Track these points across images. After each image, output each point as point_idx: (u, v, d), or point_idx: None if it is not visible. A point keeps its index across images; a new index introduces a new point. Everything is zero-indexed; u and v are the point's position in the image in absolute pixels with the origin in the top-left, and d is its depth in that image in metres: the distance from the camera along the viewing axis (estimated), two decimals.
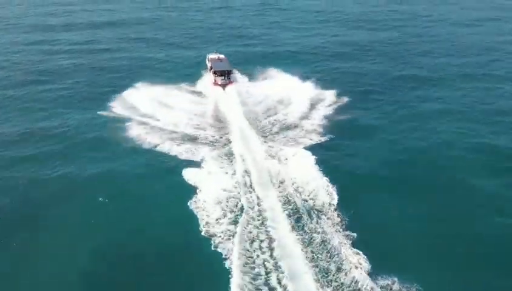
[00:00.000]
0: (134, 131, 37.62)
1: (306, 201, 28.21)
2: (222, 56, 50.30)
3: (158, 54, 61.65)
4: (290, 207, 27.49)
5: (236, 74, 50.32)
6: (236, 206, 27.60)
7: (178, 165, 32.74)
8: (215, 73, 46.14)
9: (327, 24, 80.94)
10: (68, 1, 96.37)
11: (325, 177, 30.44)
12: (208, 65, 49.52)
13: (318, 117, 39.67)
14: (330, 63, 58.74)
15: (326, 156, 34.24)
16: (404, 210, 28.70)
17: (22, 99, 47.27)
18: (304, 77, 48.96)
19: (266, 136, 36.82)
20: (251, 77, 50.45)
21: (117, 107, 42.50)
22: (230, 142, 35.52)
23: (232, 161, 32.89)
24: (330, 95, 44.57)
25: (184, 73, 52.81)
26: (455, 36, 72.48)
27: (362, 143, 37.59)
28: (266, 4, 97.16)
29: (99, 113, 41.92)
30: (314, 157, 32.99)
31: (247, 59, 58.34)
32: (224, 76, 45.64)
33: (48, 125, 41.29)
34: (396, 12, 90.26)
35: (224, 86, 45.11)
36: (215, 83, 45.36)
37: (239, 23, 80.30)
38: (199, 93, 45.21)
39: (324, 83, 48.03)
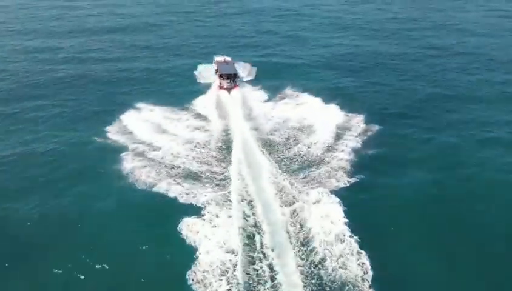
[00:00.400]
0: (129, 164, 32.33)
1: (335, 271, 22.36)
2: (228, 59, 49.39)
3: (165, 64, 56.41)
4: (313, 281, 21.69)
5: (251, 92, 45.18)
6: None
7: (176, 212, 27.18)
8: (220, 76, 44.96)
9: (347, 33, 74.56)
10: (76, 5, 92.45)
11: (355, 237, 24.52)
12: (214, 67, 47.98)
13: (345, 151, 33.72)
14: (354, 80, 52.55)
15: (355, 202, 28.27)
16: (461, 283, 22.71)
17: (12, 118, 42.41)
18: (327, 98, 42.99)
19: (283, 173, 31.02)
20: (267, 95, 44.78)
21: (114, 131, 37.31)
22: (238, 182, 29.70)
23: (241, 208, 27.22)
24: (357, 121, 38.61)
25: (191, 89, 47.38)
26: (494, 48, 65.23)
27: (398, 184, 31.42)
28: (282, 9, 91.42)
29: (93, 138, 36.88)
30: (342, 207, 26.99)
31: (262, 73, 52.52)
32: (230, 79, 44.61)
33: (36, 151, 36.33)
34: (423, 20, 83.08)
35: (229, 89, 43.96)
36: (221, 87, 44.28)
37: (254, 31, 74.49)
38: (204, 117, 39.51)
39: (349, 105, 41.93)
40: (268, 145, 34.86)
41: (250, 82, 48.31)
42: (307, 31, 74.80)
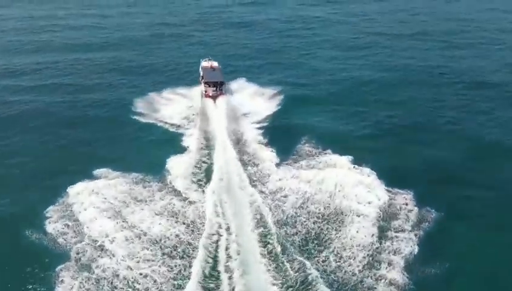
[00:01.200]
0: (67, 286, 21.09)
1: None
2: (215, 64, 46.25)
3: (143, 96, 43.92)
4: None
5: (258, 149, 33.17)
6: None
7: None
8: (206, 83, 42.50)
9: (368, 53, 62.58)
10: (54, 14, 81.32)
11: None
12: (200, 73, 45.23)
13: (395, 264, 21.93)
14: (386, 122, 40.55)
15: None
16: None
17: None
18: (358, 157, 31.24)
19: None
20: (277, 155, 32.24)
21: (55, 217, 25.57)
22: None
23: None
24: (405, 201, 26.79)
25: (172, 139, 35.42)
26: None
27: None
28: (290, 22, 79.88)
29: (25, 231, 25.07)
30: None
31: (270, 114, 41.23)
32: (216, 86, 42.12)
33: None
34: (458, 35, 70.75)
35: (215, 98, 41.23)
36: (206, 95, 41.79)
37: (257, 50, 62.84)
38: (185, 196, 27.29)
39: (389, 170, 29.97)
40: (279, 246, 23.12)
41: (256, 132, 36.32)
42: (322, 50, 63.19)
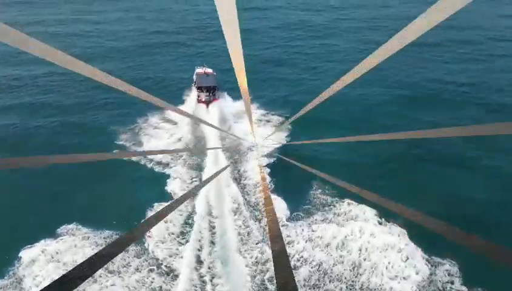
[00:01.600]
0: None
1: None
2: (209, 71, 45.65)
3: (128, 123, 38.39)
4: None
5: (258, 190, 27.57)
6: None
7: None
8: (199, 88, 42.22)
9: (381, 65, 55.59)
10: (43, 19, 75.86)
11: None
12: (194, 79, 45.30)
13: None
14: (407, 153, 34.35)
15: None
16: None
17: None
18: (384, 214, 25.29)
19: None
20: (288, 207, 26.33)
21: None
22: None
23: None
24: (448, 277, 20.97)
25: (155, 177, 29.65)
26: None
27: None
28: (294, 30, 74.43)
29: None
30: None
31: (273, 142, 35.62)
32: (209, 92, 41.45)
33: None
34: (476, 44, 64.83)
35: (207, 103, 40.58)
36: (199, 100, 41.22)
37: (258, 61, 56.91)
38: (164, 269, 21.16)
39: (421, 231, 24.55)
40: None
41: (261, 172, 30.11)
42: (329, 63, 57.55)
